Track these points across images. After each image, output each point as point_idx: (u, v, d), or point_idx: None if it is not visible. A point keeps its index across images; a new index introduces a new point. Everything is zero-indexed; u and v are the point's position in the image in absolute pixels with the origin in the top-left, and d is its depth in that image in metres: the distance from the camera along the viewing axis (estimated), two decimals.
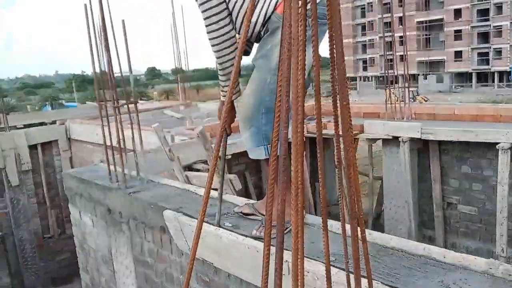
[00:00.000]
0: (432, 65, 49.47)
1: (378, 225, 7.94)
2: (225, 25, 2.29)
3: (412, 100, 11.33)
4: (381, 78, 42.65)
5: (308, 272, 1.99)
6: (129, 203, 3.57)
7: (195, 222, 2.68)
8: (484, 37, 45.73)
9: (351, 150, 0.93)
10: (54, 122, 12.39)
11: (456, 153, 7.13)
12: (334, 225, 2.38)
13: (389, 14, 10.31)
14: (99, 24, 3.76)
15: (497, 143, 6.06)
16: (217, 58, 2.35)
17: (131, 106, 4.20)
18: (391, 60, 8.94)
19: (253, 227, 2.47)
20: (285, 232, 2.01)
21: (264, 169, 7.15)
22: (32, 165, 10.24)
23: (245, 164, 7.32)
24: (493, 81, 45.62)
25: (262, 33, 2.33)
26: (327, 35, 0.94)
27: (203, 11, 2.27)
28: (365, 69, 54.44)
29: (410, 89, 11.01)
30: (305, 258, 2.07)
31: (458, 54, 47.32)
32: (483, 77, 46.99)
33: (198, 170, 5.13)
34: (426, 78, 49.17)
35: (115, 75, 3.99)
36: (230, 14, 2.32)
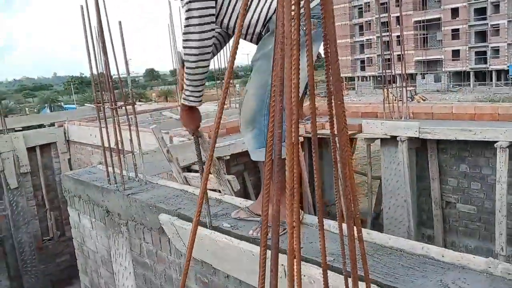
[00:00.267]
0: (430, 64, 49.56)
1: (377, 225, 7.94)
2: (209, 30, 2.15)
3: (410, 100, 11.33)
4: (379, 78, 42.71)
5: (304, 275, 1.99)
6: (127, 204, 3.57)
7: (190, 226, 2.68)
8: (481, 35, 45.82)
9: (346, 149, 0.93)
10: (52, 125, 12.40)
11: (455, 152, 7.14)
12: (332, 225, 2.38)
13: (386, 14, 10.33)
14: (96, 26, 3.76)
15: (495, 142, 6.07)
16: (191, 62, 2.20)
17: (129, 107, 4.20)
18: (389, 59, 8.95)
19: (251, 227, 2.47)
20: (282, 233, 2.02)
21: (262, 170, 7.14)
22: (30, 168, 10.23)
23: (243, 165, 7.31)
24: (491, 80, 45.70)
25: (263, 33, 2.29)
26: None
27: (187, 10, 2.13)
28: (363, 69, 54.53)
29: (408, 88, 11.03)
30: (301, 262, 2.07)
31: (455, 53, 47.42)
32: (481, 76, 47.08)
33: (197, 171, 5.13)
34: (424, 78, 49.26)
35: (114, 77, 3.99)
36: (216, 17, 2.23)
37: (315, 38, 2.02)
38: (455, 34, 46.91)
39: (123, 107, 4.09)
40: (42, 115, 27.09)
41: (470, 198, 7.11)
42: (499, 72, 44.93)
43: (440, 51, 48.26)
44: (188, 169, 5.46)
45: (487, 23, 44.65)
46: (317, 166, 0.96)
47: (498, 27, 44.11)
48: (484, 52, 45.85)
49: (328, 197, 8.28)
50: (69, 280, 9.61)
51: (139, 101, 28.30)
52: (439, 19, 47.62)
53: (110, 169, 3.97)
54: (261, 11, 2.23)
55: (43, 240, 10.58)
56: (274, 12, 2.17)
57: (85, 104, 27.53)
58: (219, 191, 3.64)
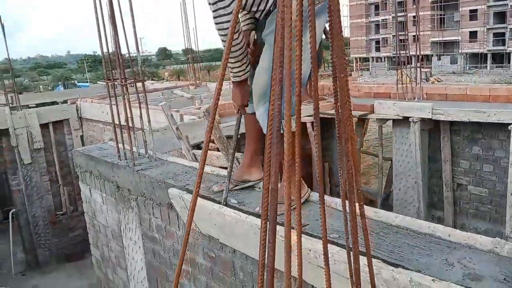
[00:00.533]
0: (446, 46, 48.56)
1: (387, 206, 7.93)
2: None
3: (425, 81, 11.17)
4: (394, 59, 42.06)
5: (309, 250, 2.00)
6: (137, 180, 3.61)
7: (200, 200, 2.70)
8: (500, 17, 44.63)
9: (349, 123, 0.92)
10: (65, 102, 12.51)
11: (468, 133, 7.05)
12: (338, 203, 2.38)
13: None
14: (106, 3, 3.74)
15: (509, 124, 5.98)
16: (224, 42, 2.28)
17: (139, 85, 4.20)
18: (404, 40, 8.81)
19: (258, 204, 2.49)
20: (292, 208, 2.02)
21: None
22: (44, 144, 10.38)
23: None
24: (509, 62, 44.70)
25: (271, 9, 2.29)
26: None
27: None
28: (378, 49, 53.64)
29: (424, 70, 10.87)
30: (308, 236, 2.08)
31: (473, 35, 46.32)
32: (499, 58, 46.05)
33: None
34: (439, 59, 48.37)
35: (125, 55, 3.99)
36: None
37: (321, 12, 2.00)
38: (473, 15, 45.74)
39: (133, 84, 4.10)
40: (56, 92, 27.29)
41: (482, 181, 7.05)
42: None
43: (457, 32, 47.21)
44: (198, 147, 5.48)
45: (507, 4, 43.44)
46: (318, 138, 0.96)
47: None
48: (503, 34, 44.71)
49: (338, 178, 8.28)
50: (82, 254, 9.81)
51: (152, 79, 28.31)
52: None
53: (120, 145, 4.00)
54: None
55: (56, 214, 10.80)
56: None
57: (98, 82, 27.65)
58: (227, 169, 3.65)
